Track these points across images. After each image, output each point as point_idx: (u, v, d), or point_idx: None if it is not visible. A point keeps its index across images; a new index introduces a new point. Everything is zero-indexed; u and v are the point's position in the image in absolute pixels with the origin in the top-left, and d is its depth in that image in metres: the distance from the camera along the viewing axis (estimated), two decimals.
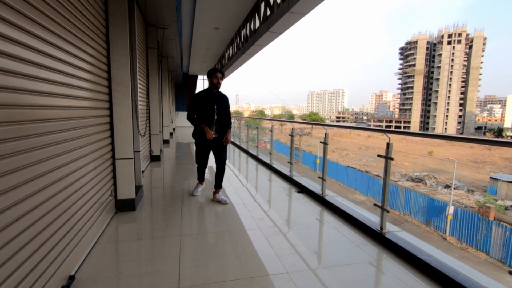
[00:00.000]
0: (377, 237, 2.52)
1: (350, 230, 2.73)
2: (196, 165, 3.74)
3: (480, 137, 2.00)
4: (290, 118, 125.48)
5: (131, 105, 2.99)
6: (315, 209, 3.40)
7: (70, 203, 1.87)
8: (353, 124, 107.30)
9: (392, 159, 2.45)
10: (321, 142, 3.67)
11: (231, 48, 10.57)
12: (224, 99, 3.48)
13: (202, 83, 26.96)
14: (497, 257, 15.22)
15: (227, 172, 4.76)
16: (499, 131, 69.47)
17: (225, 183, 4.15)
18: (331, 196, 3.59)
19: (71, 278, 1.81)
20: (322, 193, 3.66)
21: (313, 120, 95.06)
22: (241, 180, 4.83)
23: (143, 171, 4.84)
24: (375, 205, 2.65)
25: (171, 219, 2.93)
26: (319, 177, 3.73)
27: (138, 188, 3.45)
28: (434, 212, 18.88)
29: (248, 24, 7.49)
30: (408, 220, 20.02)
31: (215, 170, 3.63)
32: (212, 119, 3.39)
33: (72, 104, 1.95)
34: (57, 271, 1.65)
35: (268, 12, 6.01)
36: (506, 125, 69.92)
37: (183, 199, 3.63)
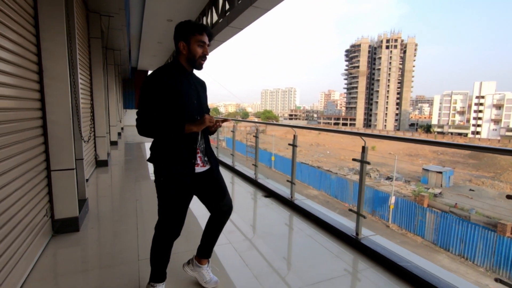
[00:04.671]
0: (353, 243, 2.44)
1: (325, 238, 2.62)
2: (157, 239, 1.74)
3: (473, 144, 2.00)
4: (245, 115, 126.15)
5: (71, 104, 2.47)
6: (286, 215, 3.23)
7: None
8: (305, 121, 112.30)
9: (368, 163, 2.39)
10: (290, 144, 3.53)
11: None
12: (203, 88, 1.80)
13: None
14: (431, 239, 17.21)
15: None
16: (428, 127, 78.86)
17: None
18: (300, 200, 3.47)
19: None
20: (291, 197, 3.53)
21: (267, 117, 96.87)
22: None
23: (87, 180, 4.19)
24: (350, 210, 2.57)
25: (125, 240, 2.49)
26: (288, 181, 3.58)
27: (82, 202, 2.91)
28: (378, 203, 20.62)
29: (204, 18, 7.05)
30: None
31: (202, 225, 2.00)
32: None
33: None
34: None
35: (227, 6, 5.69)
36: (434, 122, 79.63)
37: (138, 211, 3.16)
